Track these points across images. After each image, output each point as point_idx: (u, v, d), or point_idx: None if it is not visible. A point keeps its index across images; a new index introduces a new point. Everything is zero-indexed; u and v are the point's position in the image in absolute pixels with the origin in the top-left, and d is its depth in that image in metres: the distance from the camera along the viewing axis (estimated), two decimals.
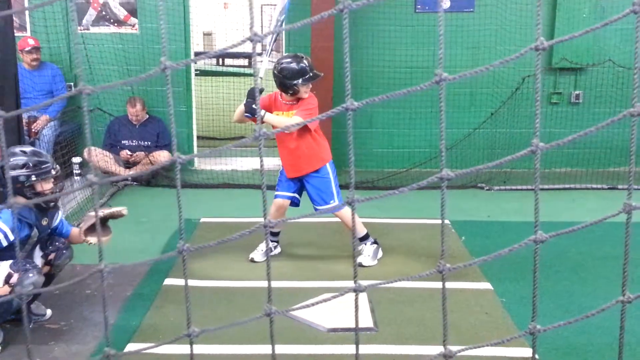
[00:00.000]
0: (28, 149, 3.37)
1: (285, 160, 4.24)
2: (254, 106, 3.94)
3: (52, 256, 3.42)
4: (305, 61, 4.04)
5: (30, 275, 3.10)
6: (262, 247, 4.40)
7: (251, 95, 4.00)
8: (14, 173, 3.17)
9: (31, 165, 3.21)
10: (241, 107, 4.08)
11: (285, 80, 3.99)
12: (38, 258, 3.39)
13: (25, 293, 3.09)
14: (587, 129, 1.19)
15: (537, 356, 3.11)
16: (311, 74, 4.02)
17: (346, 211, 4.18)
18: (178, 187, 1.15)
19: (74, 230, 3.57)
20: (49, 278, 3.54)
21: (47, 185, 3.26)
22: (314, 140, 4.14)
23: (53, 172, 3.28)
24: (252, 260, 4.34)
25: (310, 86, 4.10)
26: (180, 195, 1.18)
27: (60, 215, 3.55)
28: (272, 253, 4.40)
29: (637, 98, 1.14)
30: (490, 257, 1.19)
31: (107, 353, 1.17)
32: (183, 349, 3.12)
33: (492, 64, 1.15)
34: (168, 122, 6.88)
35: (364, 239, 4.29)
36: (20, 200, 3.21)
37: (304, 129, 4.09)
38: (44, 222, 3.37)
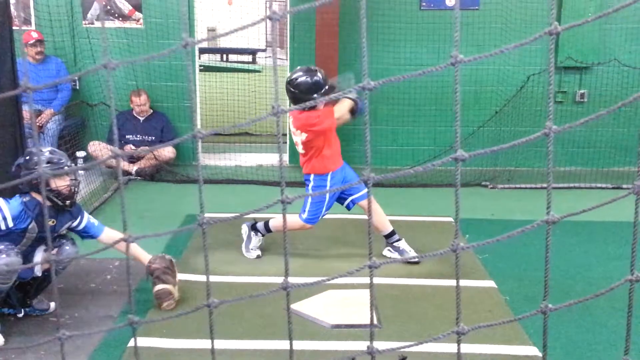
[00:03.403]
0: (45, 148, 3.42)
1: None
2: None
3: (54, 252, 3.42)
4: (319, 74, 4.00)
5: (4, 256, 3.11)
6: (256, 243, 4.41)
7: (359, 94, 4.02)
8: (29, 171, 3.20)
9: (44, 162, 3.24)
10: (347, 105, 4.00)
11: (300, 95, 3.93)
12: (40, 252, 3.40)
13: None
14: (592, 128, 1.19)
15: (538, 353, 3.12)
16: (327, 87, 3.98)
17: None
18: (199, 162, 1.16)
19: (109, 233, 3.55)
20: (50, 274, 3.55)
21: (60, 182, 3.28)
22: (317, 148, 4.09)
23: (66, 168, 3.29)
24: (258, 257, 4.37)
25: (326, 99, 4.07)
26: (200, 172, 1.20)
27: (85, 219, 3.52)
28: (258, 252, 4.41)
29: None
30: (502, 237, 1.20)
31: (131, 320, 1.20)
32: (186, 343, 3.13)
33: (507, 47, 1.16)
34: (173, 117, 6.88)
35: (390, 235, 4.32)
36: (37, 196, 3.24)
37: (313, 135, 4.04)
38: (50, 222, 3.35)
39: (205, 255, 1.24)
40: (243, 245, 4.41)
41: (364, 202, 4.20)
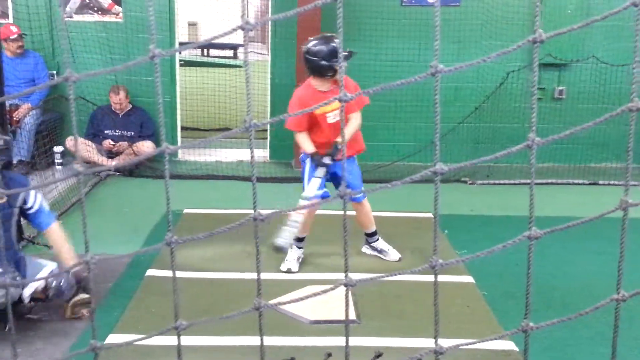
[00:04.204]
0: None
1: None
2: (324, 160, 3.95)
3: (50, 292, 3.25)
4: (336, 40, 3.90)
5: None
6: (293, 256, 4.17)
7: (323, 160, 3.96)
8: None
9: None
10: (310, 150, 4.00)
11: (321, 62, 3.85)
12: (34, 285, 3.25)
13: None
14: (570, 125, 1.19)
15: (517, 349, 3.15)
16: (346, 52, 3.92)
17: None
18: (167, 177, 1.14)
19: (55, 229, 3.41)
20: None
21: None
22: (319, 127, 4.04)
23: None
24: (289, 271, 4.10)
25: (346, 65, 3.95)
26: (168, 187, 1.16)
27: (38, 200, 3.34)
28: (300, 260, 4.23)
29: (636, 93, 1.12)
30: (483, 253, 1.19)
31: (94, 345, 1.16)
32: (166, 340, 3.10)
33: (490, 56, 1.15)
34: (153, 112, 6.82)
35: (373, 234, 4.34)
36: None
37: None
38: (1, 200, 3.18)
39: (173, 277, 1.20)
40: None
41: (353, 205, 4.17)
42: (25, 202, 3.31)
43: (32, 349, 3.11)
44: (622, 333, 1.37)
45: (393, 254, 4.31)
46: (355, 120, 4.06)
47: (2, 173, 3.23)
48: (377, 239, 4.35)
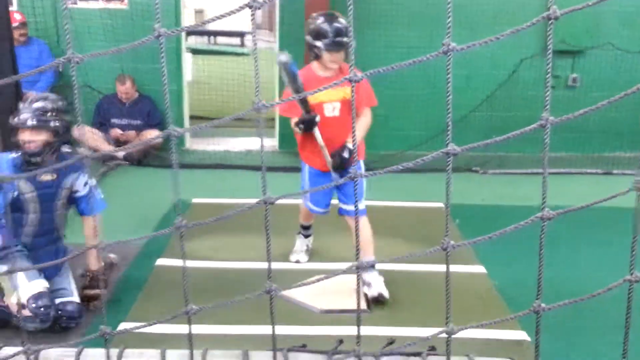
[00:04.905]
0: (37, 96, 3.26)
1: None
2: (345, 155, 3.45)
3: (62, 322, 3.20)
4: (339, 22, 3.37)
5: (37, 320, 3.06)
6: (301, 246, 4.13)
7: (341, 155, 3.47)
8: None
9: (14, 111, 3.11)
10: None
11: (308, 36, 3.43)
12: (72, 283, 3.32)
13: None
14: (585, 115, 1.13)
15: (527, 338, 3.10)
16: (337, 40, 3.35)
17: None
18: (175, 161, 1.09)
19: (93, 220, 3.34)
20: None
21: (23, 136, 3.09)
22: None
23: (29, 122, 3.08)
24: (298, 262, 4.05)
25: (342, 55, 3.43)
26: (177, 172, 1.12)
27: (88, 186, 3.32)
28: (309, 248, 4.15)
29: None
30: (495, 234, 1.15)
31: (103, 331, 1.13)
32: (175, 328, 3.07)
33: (504, 33, 1.10)
34: (160, 100, 6.77)
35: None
36: None
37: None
38: (47, 177, 3.16)
39: (183, 262, 1.16)
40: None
41: (350, 221, 3.61)
42: (72, 185, 3.30)
43: (44, 337, 3.08)
44: (637, 323, 1.31)
45: (375, 288, 3.52)
46: (365, 118, 3.54)
47: (60, 153, 3.22)
48: (373, 271, 3.61)
